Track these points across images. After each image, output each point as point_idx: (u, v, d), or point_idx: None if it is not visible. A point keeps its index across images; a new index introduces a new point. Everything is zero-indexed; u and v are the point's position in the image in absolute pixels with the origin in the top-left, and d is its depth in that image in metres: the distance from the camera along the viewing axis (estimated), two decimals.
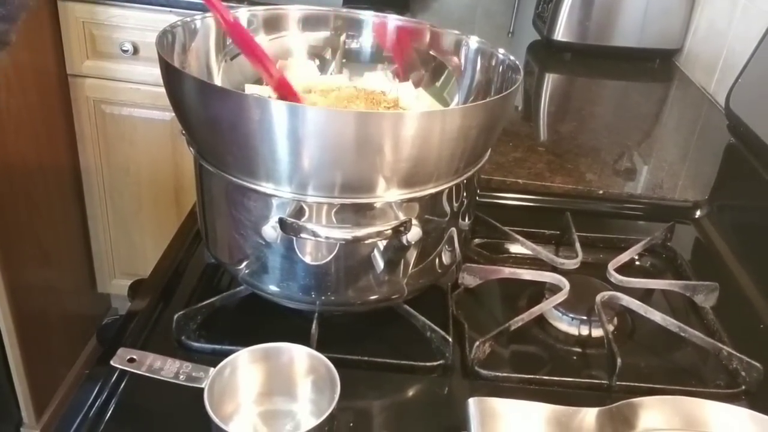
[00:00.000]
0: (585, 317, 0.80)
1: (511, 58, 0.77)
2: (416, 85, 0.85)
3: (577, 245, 0.90)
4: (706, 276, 0.87)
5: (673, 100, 1.59)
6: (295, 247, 0.67)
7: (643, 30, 1.69)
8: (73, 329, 2.00)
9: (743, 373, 0.73)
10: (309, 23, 0.86)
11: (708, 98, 1.51)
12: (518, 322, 0.76)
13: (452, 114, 0.66)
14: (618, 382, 0.71)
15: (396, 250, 0.68)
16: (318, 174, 0.62)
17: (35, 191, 1.74)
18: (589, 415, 0.62)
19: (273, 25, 0.84)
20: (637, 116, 1.44)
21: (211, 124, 0.64)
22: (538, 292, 0.84)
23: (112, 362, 0.63)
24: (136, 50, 1.75)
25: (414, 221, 0.66)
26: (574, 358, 0.77)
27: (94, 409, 0.64)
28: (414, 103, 0.81)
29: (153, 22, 1.72)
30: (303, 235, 0.64)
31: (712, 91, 1.51)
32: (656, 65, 1.74)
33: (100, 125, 1.86)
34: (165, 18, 1.71)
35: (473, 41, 0.82)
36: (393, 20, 0.87)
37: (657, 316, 0.78)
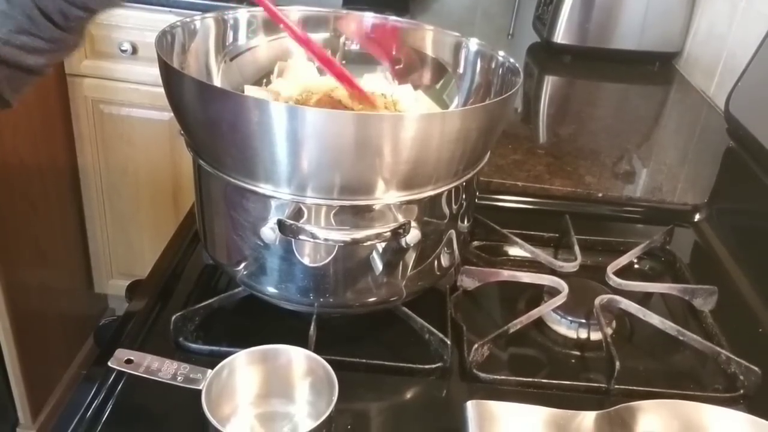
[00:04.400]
0: (584, 320, 0.79)
1: (511, 60, 0.77)
2: (415, 87, 0.84)
3: (576, 248, 0.90)
4: (705, 279, 0.87)
5: (673, 104, 1.59)
6: (294, 248, 0.67)
7: (643, 33, 1.69)
8: (69, 329, 1.99)
9: (742, 377, 0.73)
10: (309, 24, 0.86)
11: (707, 101, 1.51)
12: (517, 324, 0.76)
13: (452, 116, 0.66)
14: (616, 386, 0.71)
15: (395, 252, 0.68)
16: (317, 175, 0.62)
17: (33, 191, 1.74)
18: (588, 418, 0.62)
19: (273, 26, 0.84)
20: (637, 119, 1.44)
21: (210, 126, 0.64)
22: (537, 295, 0.84)
23: (109, 363, 0.63)
24: (135, 50, 1.75)
25: (413, 223, 0.66)
26: (573, 361, 0.77)
27: (91, 410, 0.64)
28: (413, 105, 0.81)
29: (152, 22, 1.72)
30: (301, 237, 0.64)
31: (712, 95, 1.51)
32: (656, 68, 1.74)
33: (99, 125, 1.85)
34: (164, 18, 1.71)
35: (473, 43, 0.82)
36: (392, 22, 0.86)
37: (656, 320, 0.78)
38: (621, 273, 0.86)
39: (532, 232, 0.95)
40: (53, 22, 0.61)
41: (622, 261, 0.89)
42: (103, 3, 0.64)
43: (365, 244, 0.66)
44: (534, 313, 0.78)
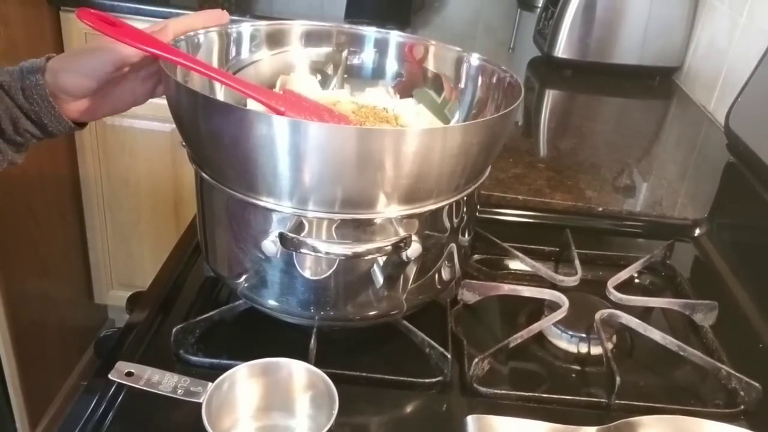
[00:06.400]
0: (584, 335, 0.79)
1: (513, 75, 0.77)
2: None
3: (577, 262, 0.90)
4: (706, 294, 0.87)
5: (673, 118, 1.60)
6: (295, 261, 0.67)
7: (644, 48, 1.69)
8: (69, 340, 1.99)
9: (742, 393, 0.73)
10: (311, 39, 0.86)
11: (708, 116, 1.51)
12: (517, 339, 0.76)
13: (453, 131, 0.67)
14: (617, 401, 0.71)
15: (395, 266, 0.68)
16: (319, 189, 0.62)
17: (34, 201, 1.74)
18: None
19: (276, 40, 0.85)
20: (637, 134, 1.44)
21: (212, 139, 0.64)
22: (538, 309, 0.84)
23: (110, 376, 0.63)
24: None
25: (414, 237, 0.66)
26: (573, 375, 0.77)
27: (91, 422, 0.64)
28: (414, 119, 0.81)
29: None
30: (303, 250, 0.64)
31: (712, 110, 1.52)
32: (656, 83, 1.75)
33: (101, 136, 1.86)
34: None
35: (474, 58, 0.83)
36: (395, 36, 0.87)
37: (656, 335, 0.78)
38: (621, 287, 0.86)
39: (533, 246, 0.96)
40: None
41: (623, 275, 0.89)
42: (59, 126, 0.62)
43: (366, 257, 0.66)
44: (534, 328, 0.78)
